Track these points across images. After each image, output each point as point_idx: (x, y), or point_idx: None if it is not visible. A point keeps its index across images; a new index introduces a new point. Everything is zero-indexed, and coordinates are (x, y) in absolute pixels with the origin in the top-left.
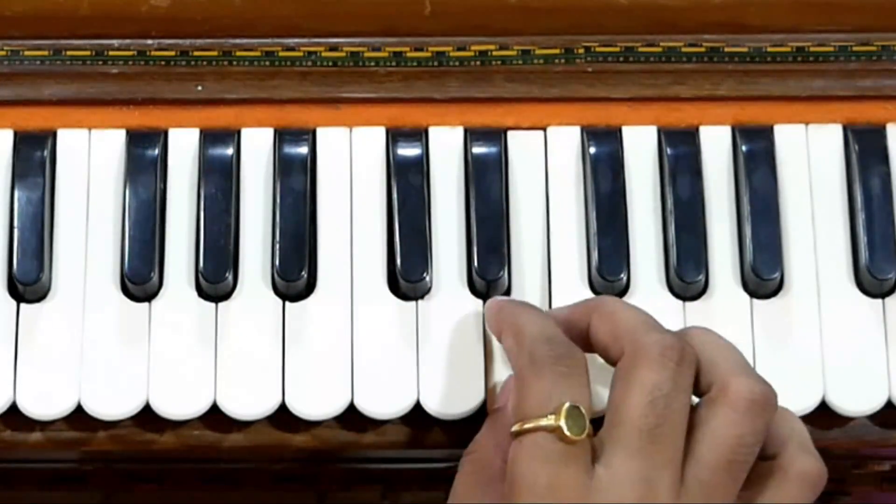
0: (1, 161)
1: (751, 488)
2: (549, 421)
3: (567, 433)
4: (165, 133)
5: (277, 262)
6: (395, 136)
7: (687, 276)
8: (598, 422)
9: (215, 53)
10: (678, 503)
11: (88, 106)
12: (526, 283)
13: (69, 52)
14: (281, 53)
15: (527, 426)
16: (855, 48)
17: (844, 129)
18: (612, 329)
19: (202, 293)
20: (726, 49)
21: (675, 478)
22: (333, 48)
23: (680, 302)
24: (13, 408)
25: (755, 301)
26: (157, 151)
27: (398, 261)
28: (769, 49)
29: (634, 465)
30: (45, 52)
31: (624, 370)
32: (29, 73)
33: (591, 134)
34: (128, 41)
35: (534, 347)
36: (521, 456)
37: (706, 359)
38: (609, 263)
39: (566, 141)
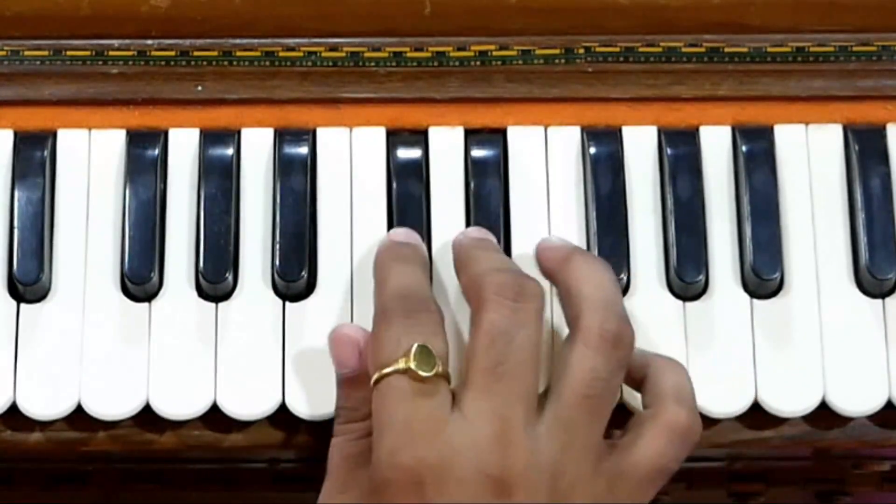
0: (1, 161)
1: (624, 434)
2: (399, 364)
3: (418, 371)
4: (165, 133)
5: (277, 262)
6: (395, 136)
7: (687, 276)
8: None
9: (215, 53)
10: (536, 438)
11: (88, 106)
12: None
13: (69, 52)
14: (281, 53)
15: (381, 373)
16: (855, 48)
17: (844, 129)
18: (465, 280)
19: (202, 293)
20: (726, 49)
21: (528, 413)
22: (333, 48)
23: (680, 302)
24: (13, 408)
25: (755, 301)
26: (157, 151)
27: None
28: (769, 49)
29: (484, 404)
30: (45, 52)
31: (472, 316)
32: (29, 73)
33: (591, 134)
34: (128, 41)
35: (387, 302)
36: (379, 400)
37: (574, 293)
38: (609, 263)
39: (566, 141)
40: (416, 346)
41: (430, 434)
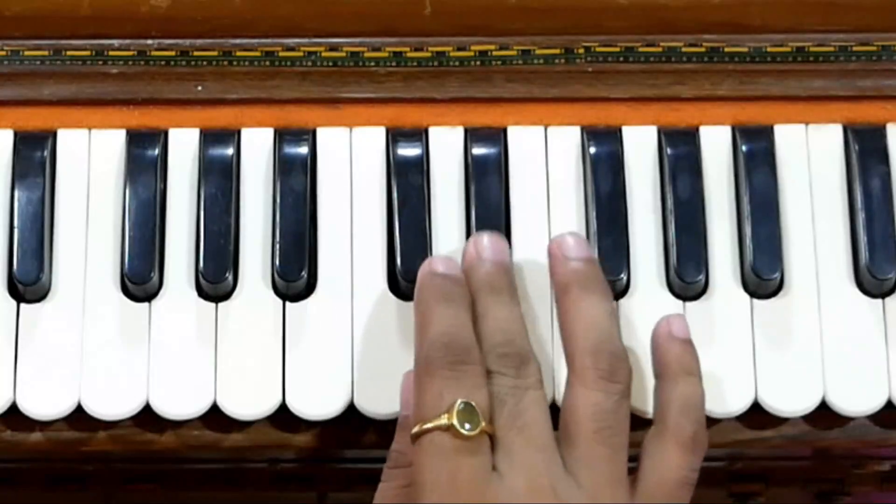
0: (1, 161)
1: (640, 460)
2: (441, 420)
3: (460, 429)
4: (165, 133)
5: (277, 262)
6: (395, 136)
7: (687, 276)
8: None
9: (215, 53)
10: (565, 482)
11: (88, 106)
12: (526, 282)
13: (69, 52)
14: (281, 53)
15: (424, 427)
16: (855, 48)
17: (844, 129)
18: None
19: (202, 293)
20: (726, 49)
21: (551, 461)
22: (333, 48)
23: (680, 302)
24: (13, 408)
25: (755, 301)
26: (157, 151)
27: (398, 261)
28: (769, 49)
29: (511, 458)
30: (45, 52)
31: None
32: (29, 73)
33: (591, 134)
34: (128, 41)
35: (430, 352)
36: (420, 457)
37: (568, 333)
38: (609, 263)
39: (566, 141)
40: (459, 402)
41: (473, 493)
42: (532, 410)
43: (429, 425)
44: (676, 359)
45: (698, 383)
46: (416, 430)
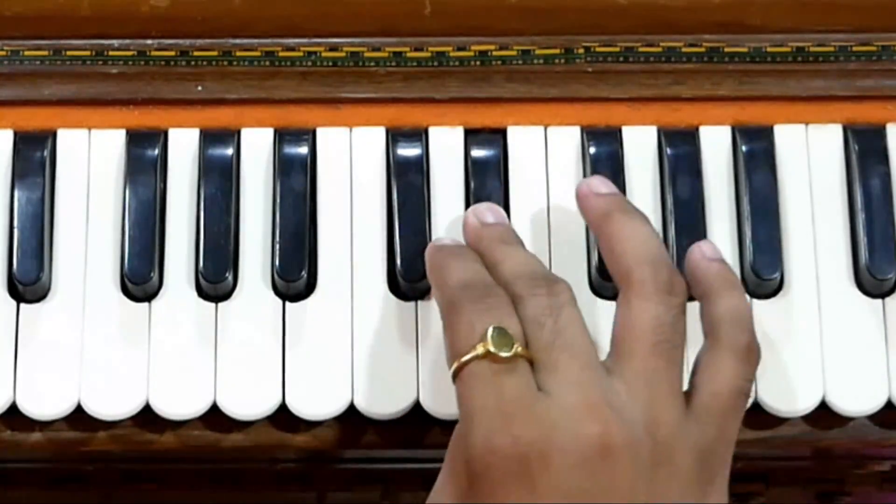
0: (1, 161)
1: (693, 374)
2: (478, 350)
3: (498, 353)
4: (165, 133)
5: (277, 262)
6: (395, 136)
7: None
8: None
9: (215, 53)
10: (618, 396)
11: (88, 106)
12: None
13: (69, 52)
14: (281, 53)
15: (461, 361)
16: (855, 48)
17: (844, 129)
18: (498, 279)
19: (202, 293)
20: (726, 49)
21: (600, 376)
22: (333, 48)
23: None
24: (13, 408)
25: (755, 301)
26: (157, 151)
27: (398, 261)
28: (769, 49)
29: (559, 377)
30: (45, 52)
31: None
32: (29, 73)
33: (591, 134)
34: (128, 41)
35: (452, 295)
36: (462, 390)
37: (618, 251)
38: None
39: (566, 141)
40: (491, 328)
41: (523, 411)
42: (571, 327)
43: (466, 357)
44: (719, 274)
45: (743, 296)
46: (454, 366)
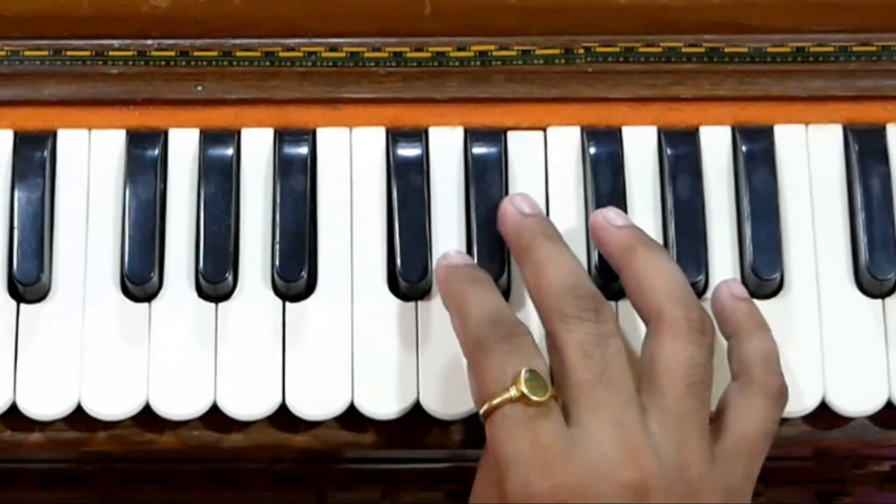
0: (1, 161)
1: (719, 414)
2: (511, 392)
3: (531, 397)
4: (165, 133)
5: (277, 262)
6: (395, 136)
7: (687, 276)
8: None
9: (215, 53)
10: (653, 436)
11: (88, 106)
12: None
13: (69, 52)
14: (281, 53)
15: (493, 403)
16: (855, 48)
17: (844, 129)
18: (537, 294)
19: (202, 293)
20: (726, 49)
21: (639, 415)
22: (333, 48)
23: None
24: (13, 408)
25: (755, 301)
26: (157, 151)
27: (398, 261)
28: (769, 49)
29: (600, 415)
30: (45, 52)
31: (551, 335)
32: (29, 73)
33: (591, 134)
34: (128, 41)
35: (478, 332)
36: (496, 434)
37: (647, 286)
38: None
39: (566, 141)
40: (524, 371)
41: (560, 456)
42: (617, 362)
43: (498, 399)
44: (748, 315)
45: (772, 337)
46: (485, 408)
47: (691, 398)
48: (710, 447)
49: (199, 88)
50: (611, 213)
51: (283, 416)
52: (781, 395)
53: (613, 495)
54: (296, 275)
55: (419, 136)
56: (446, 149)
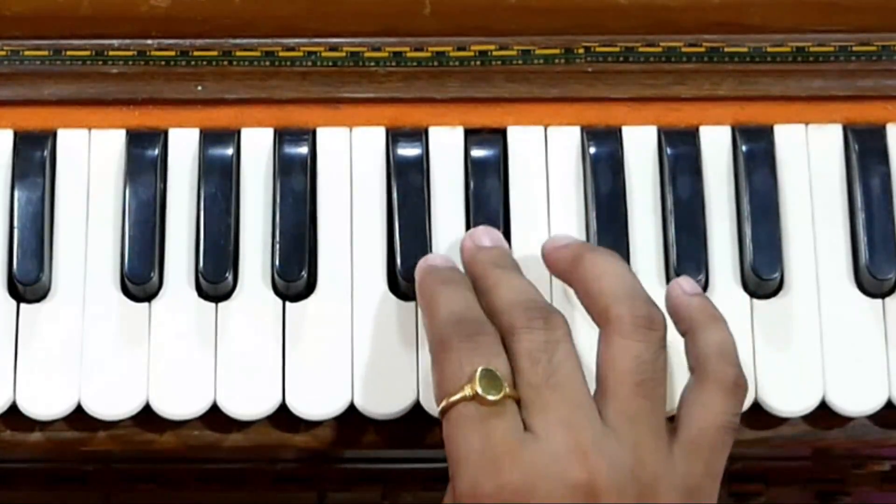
0: (1, 161)
1: (679, 409)
2: (465, 391)
3: (485, 396)
4: (165, 133)
5: (277, 262)
6: (395, 136)
7: (687, 276)
8: None
9: (215, 53)
10: (606, 437)
11: (88, 106)
12: None
13: (69, 52)
14: (281, 53)
15: (449, 401)
16: (855, 48)
17: (844, 129)
18: (492, 306)
19: (202, 293)
20: (726, 49)
21: (591, 417)
22: (333, 48)
23: None
24: (13, 408)
25: (755, 301)
26: (157, 151)
27: (398, 261)
28: (769, 49)
29: (549, 417)
30: (45, 52)
31: (507, 345)
32: (29, 73)
33: (591, 134)
34: (128, 41)
35: (442, 330)
36: (450, 431)
37: (594, 290)
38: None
39: (566, 141)
40: (480, 369)
41: (509, 457)
42: (566, 365)
43: (454, 398)
44: (700, 309)
45: (728, 328)
46: (442, 405)
47: (641, 397)
48: (668, 445)
49: (199, 88)
50: (557, 237)
51: (283, 416)
52: (738, 386)
53: (561, 496)
54: (296, 275)
55: (419, 136)
56: (446, 149)
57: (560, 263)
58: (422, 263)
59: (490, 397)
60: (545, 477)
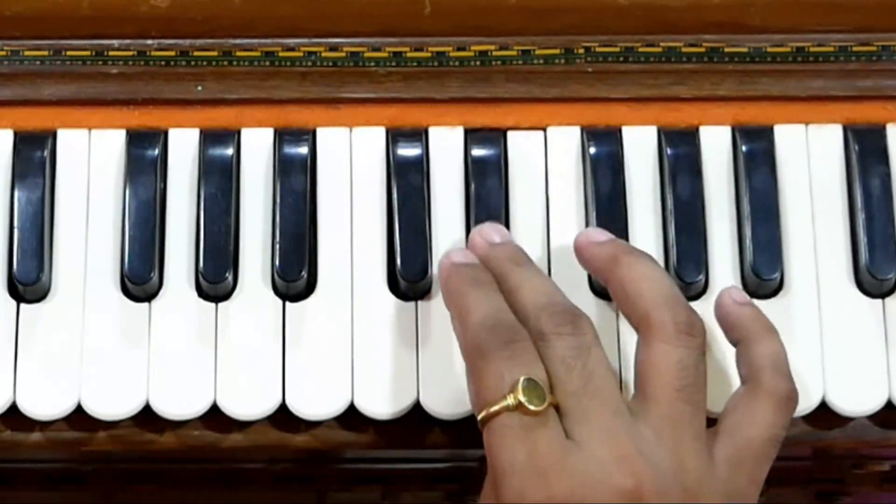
0: (1, 161)
1: (725, 416)
2: (508, 401)
3: (528, 406)
4: (165, 133)
5: (277, 262)
6: (395, 136)
7: (687, 276)
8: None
9: (215, 53)
10: (647, 443)
11: (88, 106)
12: None
13: (69, 52)
14: (281, 53)
15: (490, 411)
16: (855, 48)
17: (844, 129)
18: (518, 307)
19: (202, 293)
20: (726, 49)
21: (628, 422)
22: (333, 48)
23: None
24: (13, 408)
25: (755, 301)
26: (157, 151)
27: (398, 261)
28: (769, 49)
29: (590, 425)
30: (45, 52)
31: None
32: (29, 73)
33: (591, 134)
34: (128, 41)
35: (477, 337)
36: (493, 441)
37: (633, 294)
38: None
39: (566, 141)
40: (522, 379)
41: (555, 467)
42: (599, 371)
43: (496, 407)
44: (753, 319)
45: (780, 340)
46: (482, 415)
47: (683, 402)
48: (709, 450)
49: (199, 88)
50: (593, 231)
51: (283, 416)
52: (791, 399)
53: (608, 502)
54: (296, 275)
55: (419, 136)
56: (446, 149)
57: (595, 261)
58: (444, 260)
59: (533, 407)
60: (593, 485)
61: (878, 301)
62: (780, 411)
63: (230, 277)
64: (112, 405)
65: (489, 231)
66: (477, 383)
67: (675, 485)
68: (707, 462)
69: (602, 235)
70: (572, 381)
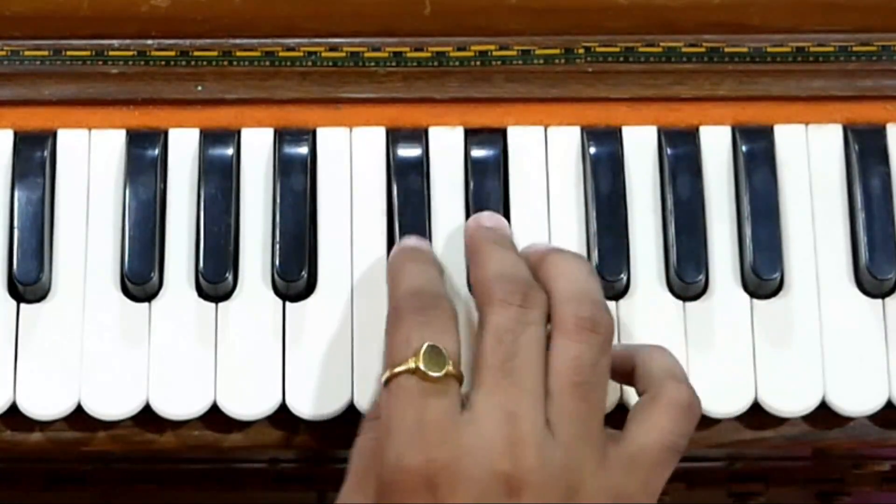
0: (1, 161)
1: (627, 424)
2: (409, 364)
3: (427, 372)
4: (165, 133)
5: (277, 262)
6: (395, 136)
7: (687, 276)
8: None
9: (215, 53)
10: (544, 434)
11: (88, 106)
12: None
13: (69, 52)
14: (281, 53)
15: (392, 372)
16: (855, 48)
17: (844, 129)
18: (475, 278)
19: (202, 293)
20: (726, 49)
21: (537, 409)
22: (333, 48)
23: (680, 302)
24: (13, 408)
25: (755, 301)
26: (157, 151)
27: None
28: (769, 49)
29: (494, 401)
30: (45, 52)
31: (479, 317)
32: (29, 73)
33: (591, 134)
34: (128, 41)
35: (399, 302)
36: (388, 400)
37: (549, 289)
38: (609, 263)
39: (566, 141)
40: (425, 345)
41: (440, 435)
42: (526, 351)
43: (397, 369)
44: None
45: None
46: (385, 375)
47: (578, 399)
48: (605, 452)
49: (199, 88)
50: (537, 242)
51: (283, 416)
52: (691, 407)
53: (483, 481)
54: (296, 275)
55: (419, 136)
56: (446, 149)
57: (530, 254)
58: (398, 243)
59: (432, 374)
60: (473, 460)
61: (878, 301)
62: (679, 419)
63: (230, 277)
64: (112, 405)
65: (484, 216)
66: (387, 345)
67: (559, 481)
68: (598, 462)
69: (542, 244)
70: (495, 355)
